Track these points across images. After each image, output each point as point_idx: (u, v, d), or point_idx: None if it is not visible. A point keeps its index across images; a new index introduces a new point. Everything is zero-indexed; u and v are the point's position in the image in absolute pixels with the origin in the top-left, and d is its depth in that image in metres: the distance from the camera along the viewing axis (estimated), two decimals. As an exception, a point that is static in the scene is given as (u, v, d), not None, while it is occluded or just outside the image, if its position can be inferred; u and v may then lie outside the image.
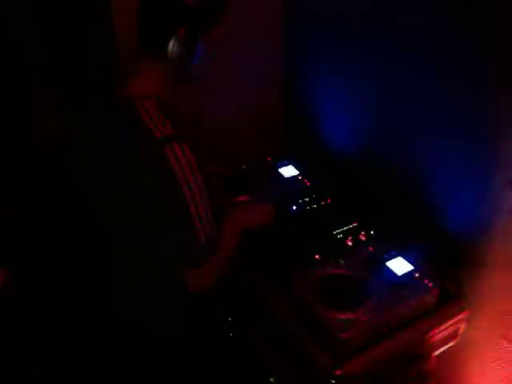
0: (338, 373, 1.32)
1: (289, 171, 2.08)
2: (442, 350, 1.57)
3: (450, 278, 1.60)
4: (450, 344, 1.58)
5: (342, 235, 1.72)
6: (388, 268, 1.53)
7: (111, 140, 1.28)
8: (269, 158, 2.15)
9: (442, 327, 1.50)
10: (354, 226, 1.76)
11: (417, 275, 1.51)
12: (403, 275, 1.51)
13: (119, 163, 1.26)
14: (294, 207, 1.85)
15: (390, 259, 1.57)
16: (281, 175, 2.06)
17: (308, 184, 2.01)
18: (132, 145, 1.23)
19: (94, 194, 1.43)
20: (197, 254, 1.27)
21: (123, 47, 1.90)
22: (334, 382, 1.33)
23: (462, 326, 1.56)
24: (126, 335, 1.56)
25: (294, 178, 2.05)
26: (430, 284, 1.48)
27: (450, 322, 1.51)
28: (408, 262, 1.56)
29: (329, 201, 1.89)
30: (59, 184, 2.25)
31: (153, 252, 1.32)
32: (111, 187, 1.33)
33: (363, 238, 1.70)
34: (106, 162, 1.30)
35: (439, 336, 1.51)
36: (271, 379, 1.73)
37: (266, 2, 2.16)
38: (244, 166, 2.10)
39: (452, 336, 1.56)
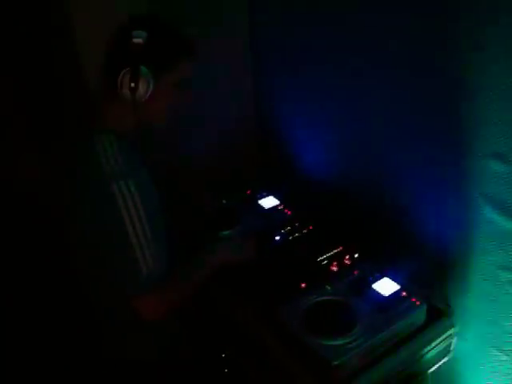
0: (334, 400, 1.32)
1: (269, 202, 2.09)
2: (436, 366, 1.57)
3: (437, 293, 1.61)
4: (444, 360, 1.58)
5: (326, 261, 1.72)
6: (374, 290, 1.54)
7: (68, 174, 1.39)
8: (248, 191, 2.17)
9: (434, 344, 1.50)
10: (337, 251, 1.77)
11: (404, 294, 1.52)
12: (390, 295, 1.52)
13: (73, 196, 1.37)
14: (277, 237, 1.86)
15: (376, 281, 1.57)
16: (261, 207, 2.07)
17: (289, 213, 2.02)
18: (83, 178, 1.33)
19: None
20: (138, 284, 1.31)
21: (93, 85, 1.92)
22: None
23: (454, 341, 1.57)
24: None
25: (274, 208, 2.07)
26: (418, 302, 1.49)
27: (440, 338, 1.51)
28: (394, 281, 1.57)
29: (311, 228, 1.90)
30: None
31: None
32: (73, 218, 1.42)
33: (348, 262, 1.71)
34: (66, 195, 1.40)
35: (432, 353, 1.51)
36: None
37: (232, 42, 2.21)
38: (224, 201, 2.11)
39: (444, 352, 1.56)
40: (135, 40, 1.29)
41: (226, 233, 1.90)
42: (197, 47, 1.41)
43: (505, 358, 1.51)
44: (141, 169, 1.35)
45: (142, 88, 1.30)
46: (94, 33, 1.70)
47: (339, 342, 1.36)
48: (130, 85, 1.29)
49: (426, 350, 1.48)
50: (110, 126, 1.36)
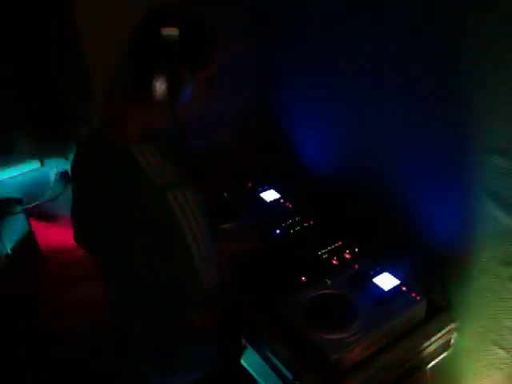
0: (333, 394, 1.32)
1: (270, 195, 2.09)
2: (435, 361, 1.57)
3: (437, 289, 1.62)
4: (444, 355, 1.59)
5: (327, 255, 1.72)
6: (375, 284, 1.54)
7: (109, 190, 1.24)
8: (249, 184, 2.16)
9: (434, 339, 1.50)
10: (338, 245, 1.77)
11: (404, 289, 1.52)
12: (390, 290, 1.52)
13: (120, 213, 1.22)
14: (278, 231, 1.86)
15: (377, 275, 1.58)
16: (263, 200, 2.07)
17: (290, 207, 2.02)
18: (132, 194, 1.20)
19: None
20: (203, 298, 1.24)
21: (97, 86, 1.92)
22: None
23: (454, 336, 1.57)
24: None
25: (275, 201, 2.07)
26: (418, 297, 1.49)
27: (440, 333, 1.52)
28: (394, 276, 1.57)
29: (312, 222, 1.90)
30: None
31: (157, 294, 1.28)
32: (112, 237, 1.27)
33: (348, 256, 1.71)
34: (104, 213, 1.26)
35: (431, 348, 1.52)
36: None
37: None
38: (225, 194, 2.11)
39: (444, 347, 1.57)
40: (168, 38, 1.18)
41: (227, 226, 1.90)
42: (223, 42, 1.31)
43: (504, 353, 1.51)
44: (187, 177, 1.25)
45: (182, 91, 1.21)
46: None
47: (339, 335, 1.36)
48: (169, 88, 1.20)
49: (425, 344, 1.49)
50: (139, 134, 1.24)
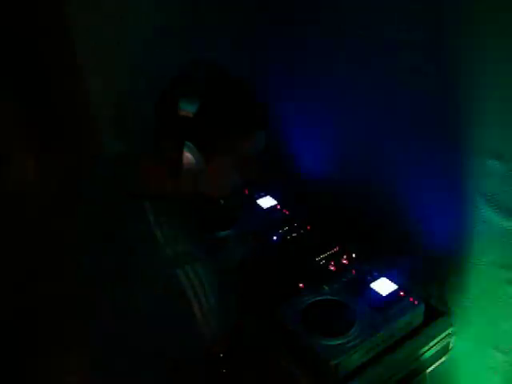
0: (332, 400, 1.32)
1: (267, 202, 2.09)
2: (434, 366, 1.57)
3: (435, 293, 1.62)
4: (442, 359, 1.58)
5: (324, 261, 1.72)
6: (372, 289, 1.54)
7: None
8: (246, 191, 2.16)
9: (432, 343, 1.50)
10: (335, 251, 1.77)
11: (402, 294, 1.52)
12: (388, 295, 1.52)
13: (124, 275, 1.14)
14: (275, 237, 1.86)
15: (374, 280, 1.57)
16: (259, 207, 2.07)
17: (287, 213, 2.03)
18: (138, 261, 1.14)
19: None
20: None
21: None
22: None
23: (452, 341, 1.57)
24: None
25: (272, 208, 2.07)
26: (416, 301, 1.49)
27: (439, 338, 1.52)
28: (392, 281, 1.57)
29: (308, 228, 1.90)
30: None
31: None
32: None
33: (345, 262, 1.71)
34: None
35: (430, 352, 1.51)
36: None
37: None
38: (222, 201, 2.10)
39: (443, 351, 1.56)
40: (183, 112, 1.08)
41: (223, 233, 1.90)
42: (268, 116, 1.23)
43: (503, 357, 1.50)
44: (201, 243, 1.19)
45: (186, 164, 1.12)
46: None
47: (337, 341, 1.36)
48: (170, 157, 1.13)
49: (424, 349, 1.49)
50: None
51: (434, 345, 1.51)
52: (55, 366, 1.19)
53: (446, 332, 1.53)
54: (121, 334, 1.16)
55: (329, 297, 1.52)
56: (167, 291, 1.12)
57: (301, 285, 1.61)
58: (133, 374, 1.19)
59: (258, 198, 2.11)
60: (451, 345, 1.58)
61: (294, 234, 1.88)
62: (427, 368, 1.55)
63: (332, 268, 1.69)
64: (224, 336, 1.31)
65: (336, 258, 1.73)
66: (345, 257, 1.73)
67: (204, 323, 1.16)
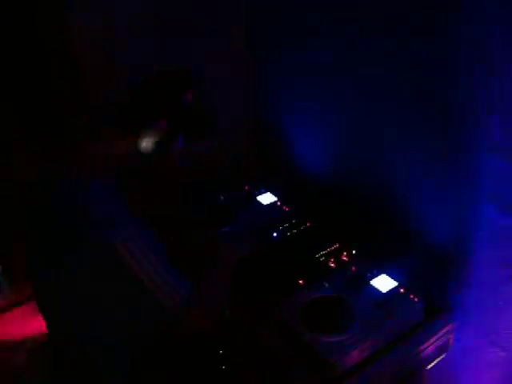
0: (333, 397, 1.32)
1: (267, 198, 2.09)
2: (434, 363, 1.57)
3: (435, 290, 1.61)
4: (442, 356, 1.58)
5: (324, 258, 1.72)
6: (372, 286, 1.54)
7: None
8: (246, 187, 2.16)
9: (432, 340, 1.50)
10: (335, 248, 1.76)
11: (402, 291, 1.52)
12: (388, 292, 1.52)
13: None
14: (275, 234, 1.86)
15: (374, 277, 1.58)
16: (259, 203, 2.07)
17: (287, 210, 2.02)
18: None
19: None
20: (174, 316, 1.26)
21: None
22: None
23: (452, 337, 1.57)
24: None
25: (272, 205, 2.07)
26: (416, 298, 1.49)
27: (438, 335, 1.52)
28: (392, 278, 1.57)
29: (308, 224, 1.90)
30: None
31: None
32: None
33: (345, 259, 1.71)
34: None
35: (430, 349, 1.51)
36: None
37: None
38: (222, 198, 2.10)
39: (442, 348, 1.56)
40: (187, 103, 1.31)
41: (224, 230, 1.90)
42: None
43: (503, 354, 1.51)
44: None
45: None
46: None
47: (337, 338, 1.36)
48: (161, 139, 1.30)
49: (424, 346, 1.49)
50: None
51: (434, 342, 1.51)
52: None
53: (446, 329, 1.53)
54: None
55: (329, 294, 1.52)
56: (112, 268, 1.20)
57: (301, 281, 1.61)
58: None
59: (258, 195, 2.11)
60: (451, 341, 1.58)
61: (294, 231, 1.88)
62: (427, 365, 1.55)
63: (332, 265, 1.69)
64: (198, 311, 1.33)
65: (336, 254, 1.73)
66: (345, 254, 1.73)
67: (159, 295, 1.22)
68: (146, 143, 1.30)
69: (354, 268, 1.63)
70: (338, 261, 1.70)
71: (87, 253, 1.23)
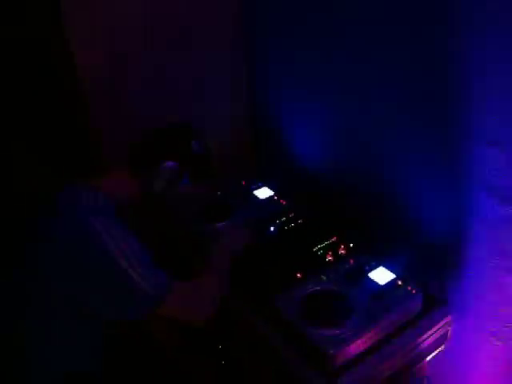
0: (332, 390, 1.31)
1: (264, 193, 2.08)
2: (433, 355, 1.57)
3: (433, 282, 1.61)
4: (441, 348, 1.58)
5: (321, 251, 1.72)
6: (370, 279, 1.54)
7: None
8: (243, 182, 2.16)
9: (430, 332, 1.50)
10: (333, 241, 1.76)
11: (400, 283, 1.52)
12: (386, 284, 1.51)
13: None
14: (272, 228, 1.85)
15: (372, 270, 1.57)
16: (256, 198, 2.06)
17: (284, 204, 2.02)
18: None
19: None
20: (150, 303, 1.28)
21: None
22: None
23: (450, 329, 1.57)
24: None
25: (269, 199, 2.06)
26: (414, 290, 1.49)
27: (437, 327, 1.51)
28: (390, 270, 1.56)
29: (306, 218, 1.90)
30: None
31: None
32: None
33: (343, 252, 1.70)
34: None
35: (428, 341, 1.51)
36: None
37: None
38: (219, 193, 2.10)
39: (441, 340, 1.56)
40: (195, 150, 1.52)
41: (221, 224, 1.89)
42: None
43: (501, 345, 1.50)
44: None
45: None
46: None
47: (336, 331, 1.36)
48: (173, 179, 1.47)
49: (422, 338, 1.48)
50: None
51: (433, 334, 1.51)
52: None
53: (445, 321, 1.53)
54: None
55: (327, 287, 1.52)
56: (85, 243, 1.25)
57: (299, 275, 1.61)
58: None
59: (254, 189, 2.10)
60: (450, 333, 1.58)
61: (291, 225, 1.88)
62: (426, 357, 1.55)
63: (330, 258, 1.68)
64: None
65: (334, 248, 1.73)
66: (342, 247, 1.73)
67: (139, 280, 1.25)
68: (159, 182, 1.48)
69: (351, 261, 1.63)
70: (335, 254, 1.70)
71: (61, 228, 1.27)
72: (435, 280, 1.61)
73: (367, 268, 1.57)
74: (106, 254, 1.23)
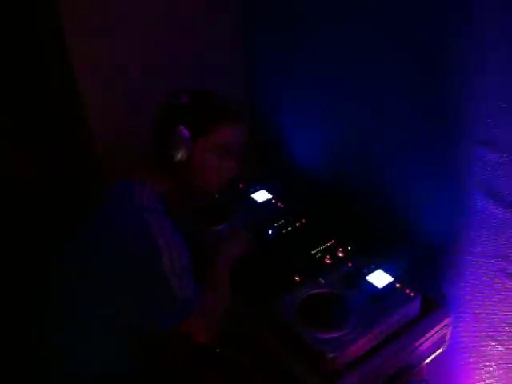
0: (331, 394, 1.31)
1: (262, 196, 2.09)
2: (432, 357, 1.57)
3: (431, 284, 1.61)
4: (440, 351, 1.58)
5: (320, 254, 1.72)
6: (369, 282, 1.53)
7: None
8: (241, 185, 2.16)
9: (429, 335, 1.49)
10: (331, 244, 1.76)
11: (398, 286, 1.52)
12: (384, 287, 1.51)
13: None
14: (270, 231, 1.85)
15: (370, 273, 1.57)
16: (254, 201, 2.06)
17: (282, 207, 2.02)
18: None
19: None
20: (177, 312, 1.29)
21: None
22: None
23: (449, 332, 1.57)
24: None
25: (267, 202, 2.06)
26: (412, 293, 1.48)
27: (435, 329, 1.51)
28: (388, 273, 1.56)
29: (304, 221, 1.90)
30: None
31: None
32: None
33: (341, 255, 1.70)
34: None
35: (427, 344, 1.51)
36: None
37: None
38: (217, 195, 2.09)
39: (440, 342, 1.56)
40: (177, 102, 1.39)
41: (219, 227, 1.89)
42: (240, 115, 1.48)
43: (500, 347, 1.51)
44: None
45: (176, 147, 1.36)
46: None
47: (334, 334, 1.35)
48: (165, 146, 1.36)
49: (421, 341, 1.48)
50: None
51: (431, 336, 1.51)
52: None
53: (443, 323, 1.53)
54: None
55: (325, 290, 1.52)
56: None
57: (297, 278, 1.61)
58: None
59: (252, 192, 2.11)
60: (448, 336, 1.58)
61: (289, 228, 1.88)
62: (425, 360, 1.55)
63: (328, 261, 1.68)
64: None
65: (332, 250, 1.73)
66: (340, 250, 1.73)
67: (174, 283, 1.27)
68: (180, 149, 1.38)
69: (350, 264, 1.63)
70: (333, 257, 1.70)
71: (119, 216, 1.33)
72: (433, 282, 1.61)
73: (365, 271, 1.57)
74: (154, 254, 1.25)
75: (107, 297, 1.29)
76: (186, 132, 1.35)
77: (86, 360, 1.33)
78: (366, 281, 1.53)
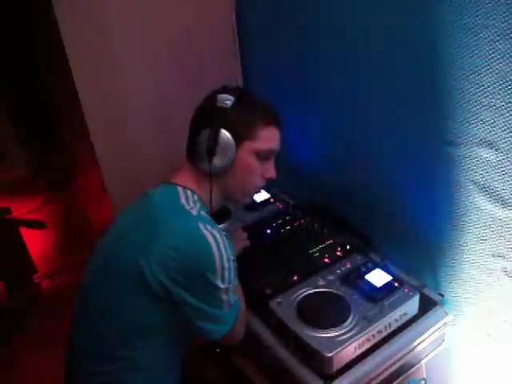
0: (329, 392, 1.31)
1: (260, 195, 2.09)
2: (430, 356, 1.57)
3: (430, 283, 1.62)
4: (438, 349, 1.58)
5: (318, 253, 1.72)
6: (367, 281, 1.53)
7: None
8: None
9: (427, 334, 1.50)
10: (329, 243, 1.76)
11: (396, 284, 1.52)
12: (383, 286, 1.51)
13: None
14: (269, 231, 1.85)
15: (369, 272, 1.57)
16: (253, 200, 2.06)
17: (280, 206, 2.02)
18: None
19: None
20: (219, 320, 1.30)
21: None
22: (326, 402, 1.32)
23: (447, 330, 1.57)
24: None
25: (266, 201, 2.07)
26: (411, 292, 1.49)
27: (434, 328, 1.51)
28: (386, 272, 1.56)
29: (302, 220, 1.90)
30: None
31: None
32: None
33: (340, 254, 1.70)
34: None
35: (426, 343, 1.51)
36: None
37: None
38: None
39: (438, 341, 1.56)
40: (220, 104, 1.31)
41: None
42: (280, 120, 1.44)
43: (499, 345, 1.50)
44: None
45: (219, 151, 1.31)
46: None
47: (332, 333, 1.36)
48: (207, 146, 1.30)
49: (419, 339, 1.48)
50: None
51: (430, 335, 1.51)
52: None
53: (442, 322, 1.53)
54: None
55: (323, 289, 1.52)
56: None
57: (295, 277, 1.61)
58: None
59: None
60: (447, 335, 1.58)
61: (287, 227, 1.88)
62: (423, 358, 1.55)
63: (326, 260, 1.68)
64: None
65: (330, 250, 1.73)
66: (339, 249, 1.73)
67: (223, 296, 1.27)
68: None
69: (348, 263, 1.63)
70: (332, 256, 1.70)
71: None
72: (431, 281, 1.61)
73: (364, 270, 1.57)
74: (212, 266, 1.22)
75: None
76: (229, 136, 1.31)
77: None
78: (365, 280, 1.53)
